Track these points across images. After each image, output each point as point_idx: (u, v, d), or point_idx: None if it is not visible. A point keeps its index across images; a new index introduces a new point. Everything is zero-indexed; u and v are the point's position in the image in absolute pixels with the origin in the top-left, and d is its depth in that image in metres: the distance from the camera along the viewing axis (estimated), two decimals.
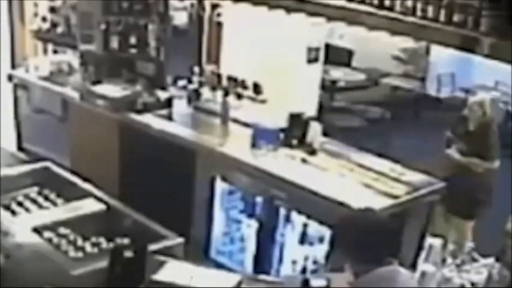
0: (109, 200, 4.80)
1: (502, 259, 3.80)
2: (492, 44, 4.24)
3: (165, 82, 6.60)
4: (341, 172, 5.18)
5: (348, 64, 10.37)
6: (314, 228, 4.63)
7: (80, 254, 4.26)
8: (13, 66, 7.55)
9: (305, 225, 4.70)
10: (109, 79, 6.57)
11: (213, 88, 6.28)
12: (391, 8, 4.79)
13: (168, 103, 6.32)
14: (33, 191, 5.01)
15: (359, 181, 5.05)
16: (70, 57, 7.26)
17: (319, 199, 4.78)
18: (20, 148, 7.83)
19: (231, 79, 6.06)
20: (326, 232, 4.52)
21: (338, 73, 9.66)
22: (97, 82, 6.53)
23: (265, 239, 4.96)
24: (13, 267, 4.24)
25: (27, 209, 4.77)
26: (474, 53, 4.47)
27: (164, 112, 6.23)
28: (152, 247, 4.09)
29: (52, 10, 7.38)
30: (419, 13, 4.64)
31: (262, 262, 5.00)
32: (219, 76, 6.23)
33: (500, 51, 4.20)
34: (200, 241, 5.30)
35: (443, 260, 4.01)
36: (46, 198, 4.94)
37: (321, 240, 4.59)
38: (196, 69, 6.57)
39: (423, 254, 3.99)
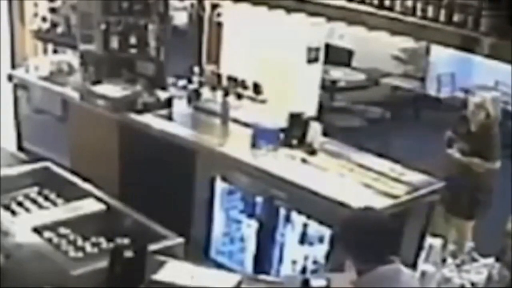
0: (109, 200, 4.80)
1: (502, 259, 3.80)
2: (492, 44, 4.24)
3: (165, 82, 6.60)
4: (341, 172, 5.18)
5: (348, 64, 10.36)
6: (314, 228, 4.63)
7: (80, 254, 4.25)
8: (13, 66, 7.54)
9: (305, 225, 4.70)
10: (109, 79, 6.57)
11: (213, 88, 6.27)
12: (391, 8, 4.79)
13: (168, 103, 6.32)
14: (33, 191, 5.01)
15: (359, 181, 5.04)
16: (70, 57, 7.27)
17: (319, 199, 4.77)
18: (20, 148, 7.82)
19: (231, 79, 6.05)
20: (326, 232, 4.53)
21: (338, 73, 9.65)
22: (97, 82, 6.53)
23: (265, 239, 4.96)
24: (13, 267, 4.24)
25: (27, 209, 4.77)
26: (474, 53, 4.46)
27: (164, 112, 6.23)
28: (152, 247, 4.09)
29: (52, 10, 7.38)
30: (419, 13, 4.64)
31: (262, 262, 5.00)
32: (219, 76, 6.23)
33: (500, 51, 4.19)
34: (200, 241, 5.31)
35: (443, 260, 4.02)
36: (46, 198, 4.93)
37: (321, 240, 4.59)
38: (196, 69, 6.57)
39: (423, 254, 3.99)
